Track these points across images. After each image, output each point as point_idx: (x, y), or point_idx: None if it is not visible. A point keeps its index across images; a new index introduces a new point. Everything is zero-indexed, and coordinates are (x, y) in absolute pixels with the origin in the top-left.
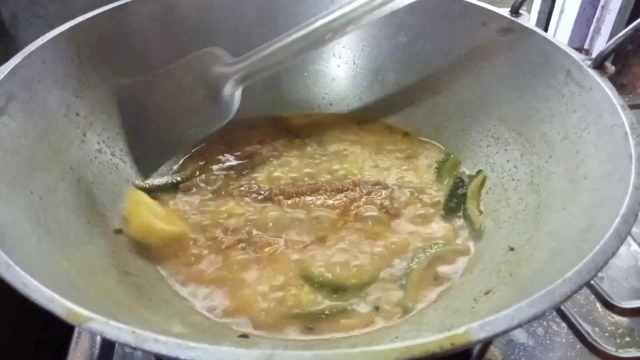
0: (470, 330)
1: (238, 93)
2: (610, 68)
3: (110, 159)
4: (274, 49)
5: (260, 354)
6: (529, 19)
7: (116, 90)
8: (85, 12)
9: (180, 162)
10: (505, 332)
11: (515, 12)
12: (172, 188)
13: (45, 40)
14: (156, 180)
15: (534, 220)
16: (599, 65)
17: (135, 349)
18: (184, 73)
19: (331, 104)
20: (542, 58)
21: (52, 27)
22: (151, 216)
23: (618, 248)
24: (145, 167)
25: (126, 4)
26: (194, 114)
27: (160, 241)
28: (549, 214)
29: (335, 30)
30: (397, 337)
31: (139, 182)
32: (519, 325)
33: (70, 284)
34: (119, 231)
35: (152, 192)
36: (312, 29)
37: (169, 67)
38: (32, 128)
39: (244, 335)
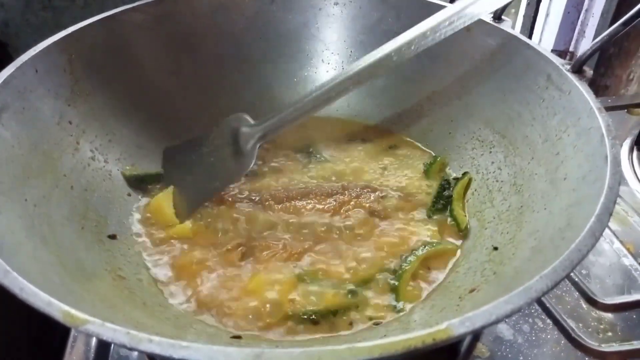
0: (450, 325)
1: (256, 149)
2: (588, 72)
3: (104, 166)
4: (291, 111)
5: (250, 352)
6: (511, 24)
7: (164, 151)
8: (77, 21)
9: None
10: (484, 327)
11: (497, 18)
12: (156, 178)
13: (37, 50)
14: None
15: (516, 220)
16: (577, 69)
17: (130, 349)
18: (217, 136)
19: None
20: (523, 63)
21: (44, 36)
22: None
23: (593, 246)
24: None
25: (117, 13)
26: (221, 168)
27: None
28: (531, 214)
29: (347, 87)
30: (385, 335)
31: (125, 169)
32: (498, 321)
33: (66, 289)
34: (112, 237)
35: (138, 179)
36: (327, 88)
37: (207, 132)
38: (26, 137)
39: (237, 337)
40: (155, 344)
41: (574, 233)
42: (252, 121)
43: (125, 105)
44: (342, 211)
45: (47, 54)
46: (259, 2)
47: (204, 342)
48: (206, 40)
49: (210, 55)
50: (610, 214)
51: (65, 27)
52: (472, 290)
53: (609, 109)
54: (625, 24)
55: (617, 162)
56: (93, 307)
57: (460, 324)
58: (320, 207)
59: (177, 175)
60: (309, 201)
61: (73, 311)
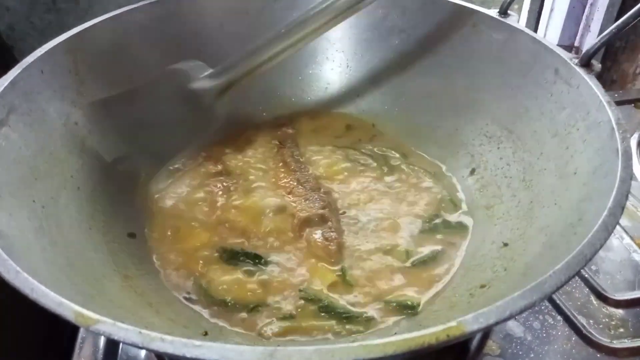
0: (464, 322)
1: (221, 103)
2: (597, 66)
3: (110, 167)
4: (249, 56)
5: (263, 350)
6: (518, 19)
7: (93, 109)
8: (81, 22)
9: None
10: (498, 323)
11: (503, 13)
12: None
13: (43, 51)
14: None
15: (526, 216)
16: (585, 63)
17: (142, 348)
18: (158, 89)
19: (325, 108)
20: (530, 57)
21: (48, 38)
22: None
23: (606, 240)
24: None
25: (121, 14)
26: (178, 126)
27: None
28: (541, 209)
29: (307, 33)
30: (395, 333)
31: None
32: (511, 317)
33: (76, 290)
34: (131, 235)
35: None
36: (284, 31)
37: (143, 84)
38: (33, 138)
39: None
40: (167, 343)
41: (586, 228)
42: (204, 71)
43: (131, 106)
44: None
45: (52, 55)
46: (262, 1)
47: (215, 341)
48: (210, 40)
49: (214, 55)
50: (623, 208)
51: (69, 29)
52: (482, 286)
53: (615, 103)
54: (634, 16)
55: (628, 156)
56: (102, 307)
57: (474, 320)
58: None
59: (128, 132)
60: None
61: (84, 311)
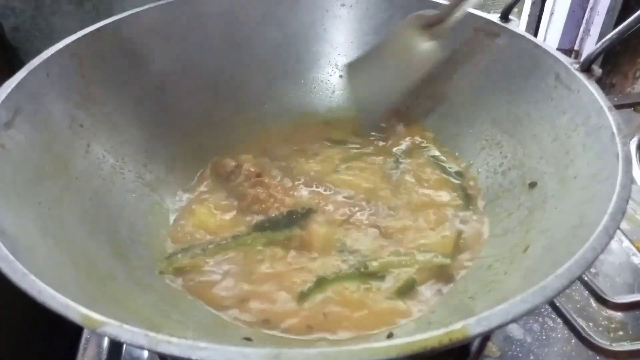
0: (467, 325)
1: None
2: (597, 71)
3: (114, 170)
4: None
5: (268, 352)
6: (518, 24)
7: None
8: (85, 25)
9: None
10: (500, 327)
11: (504, 17)
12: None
13: (49, 54)
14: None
15: (527, 219)
16: (586, 68)
17: (148, 350)
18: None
19: (329, 111)
20: (531, 62)
21: (54, 40)
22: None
23: (607, 244)
24: None
25: (126, 17)
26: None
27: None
28: (542, 212)
29: None
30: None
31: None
32: (514, 320)
33: (80, 291)
34: (126, 239)
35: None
36: None
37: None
38: (38, 140)
39: (247, 339)
40: (174, 345)
41: (587, 231)
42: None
43: (136, 109)
44: None
45: (58, 58)
46: (266, 4)
47: (220, 343)
48: (214, 43)
49: (218, 58)
50: (624, 213)
51: (74, 32)
52: (483, 290)
53: (615, 107)
54: (636, 21)
55: (628, 161)
56: (107, 308)
57: (477, 324)
58: None
59: (362, 87)
60: None
61: (91, 313)
